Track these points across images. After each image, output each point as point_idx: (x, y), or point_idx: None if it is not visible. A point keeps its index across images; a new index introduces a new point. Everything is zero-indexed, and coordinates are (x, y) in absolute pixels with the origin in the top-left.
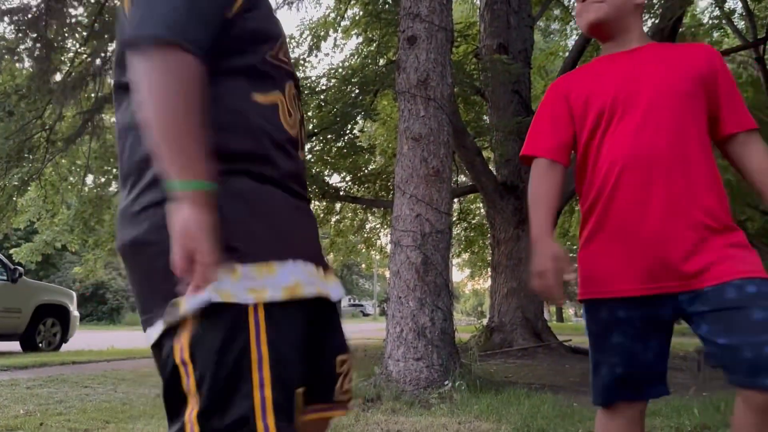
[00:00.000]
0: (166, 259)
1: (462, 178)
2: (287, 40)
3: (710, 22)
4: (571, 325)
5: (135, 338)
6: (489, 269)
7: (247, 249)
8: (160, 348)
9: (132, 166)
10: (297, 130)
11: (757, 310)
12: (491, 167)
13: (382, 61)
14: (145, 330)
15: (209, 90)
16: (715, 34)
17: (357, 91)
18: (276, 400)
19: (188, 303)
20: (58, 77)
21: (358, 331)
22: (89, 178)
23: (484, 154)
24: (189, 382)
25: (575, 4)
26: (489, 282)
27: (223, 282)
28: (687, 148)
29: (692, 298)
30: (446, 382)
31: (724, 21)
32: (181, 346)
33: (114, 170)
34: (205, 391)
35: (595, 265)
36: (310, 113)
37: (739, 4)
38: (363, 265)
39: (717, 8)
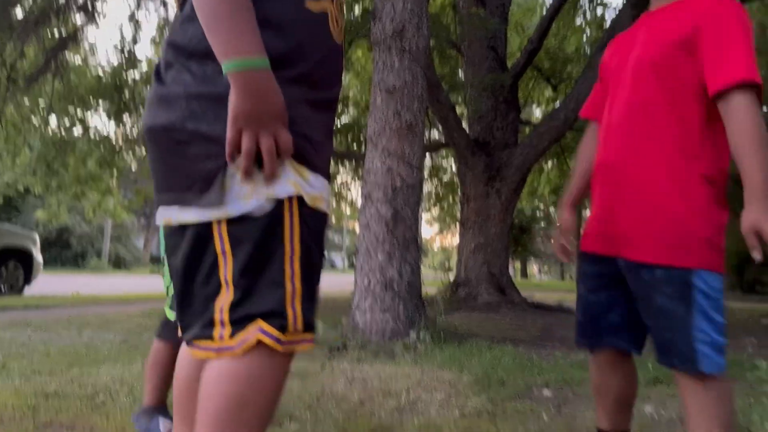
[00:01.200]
0: (205, 145)
1: (435, 134)
2: None
3: None
4: (534, 281)
5: (100, 284)
6: (458, 225)
7: (302, 147)
8: (184, 230)
9: (170, 50)
10: (341, 36)
11: (659, 296)
12: (464, 123)
13: (357, 10)
14: (162, 205)
15: None
16: None
17: None
18: (304, 293)
19: (233, 207)
20: (19, 13)
21: (326, 283)
22: (53, 120)
23: (458, 110)
24: (226, 272)
25: None
26: (457, 238)
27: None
28: (649, 121)
29: (625, 267)
30: (411, 334)
31: None
32: (221, 236)
33: (79, 112)
34: (241, 281)
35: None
36: None
37: None
38: (333, 219)
39: None
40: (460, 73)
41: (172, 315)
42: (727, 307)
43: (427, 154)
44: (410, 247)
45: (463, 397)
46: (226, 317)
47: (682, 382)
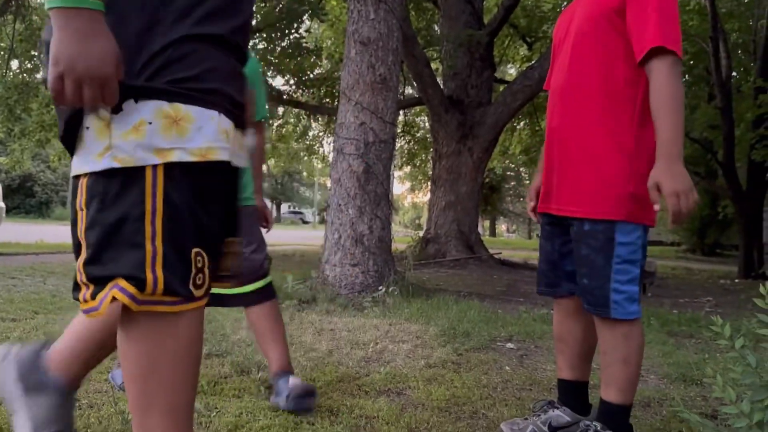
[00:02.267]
0: None
1: (408, 91)
2: None
3: None
4: (502, 239)
5: (65, 233)
6: (429, 183)
7: (168, 85)
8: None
9: None
10: None
11: (584, 247)
12: (438, 80)
13: None
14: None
15: None
16: None
17: None
18: (167, 255)
19: (87, 164)
20: None
21: (297, 237)
22: (14, 63)
23: (433, 66)
24: (82, 228)
25: None
26: (428, 196)
27: (125, 143)
28: (582, 87)
29: (561, 220)
30: (380, 288)
31: None
32: (81, 191)
33: (41, 54)
34: (93, 240)
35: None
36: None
37: None
38: (304, 173)
39: None
40: (437, 28)
41: None
42: (688, 268)
43: (401, 110)
44: (381, 202)
45: (429, 348)
46: (83, 277)
47: (597, 324)
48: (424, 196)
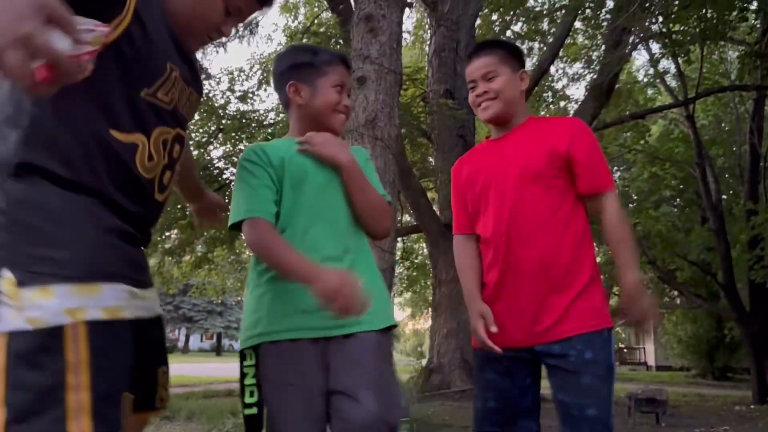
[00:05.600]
0: None
1: (406, 218)
2: (237, 73)
3: (645, 80)
4: None
5: None
6: (430, 309)
7: (71, 268)
8: None
9: None
10: (156, 174)
11: (586, 375)
12: (435, 208)
13: None
14: None
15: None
16: (650, 92)
17: None
18: (95, 405)
19: (5, 322)
20: None
21: None
22: None
23: (429, 195)
24: (1, 391)
25: (470, 94)
26: (429, 322)
27: (36, 305)
28: (534, 221)
29: (544, 351)
30: None
31: (657, 80)
32: (4, 359)
33: None
34: (15, 398)
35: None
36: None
37: (672, 65)
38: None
39: (651, 67)
40: (431, 160)
41: None
42: (701, 394)
43: (399, 237)
44: None
45: None
46: None
47: None
48: (425, 323)
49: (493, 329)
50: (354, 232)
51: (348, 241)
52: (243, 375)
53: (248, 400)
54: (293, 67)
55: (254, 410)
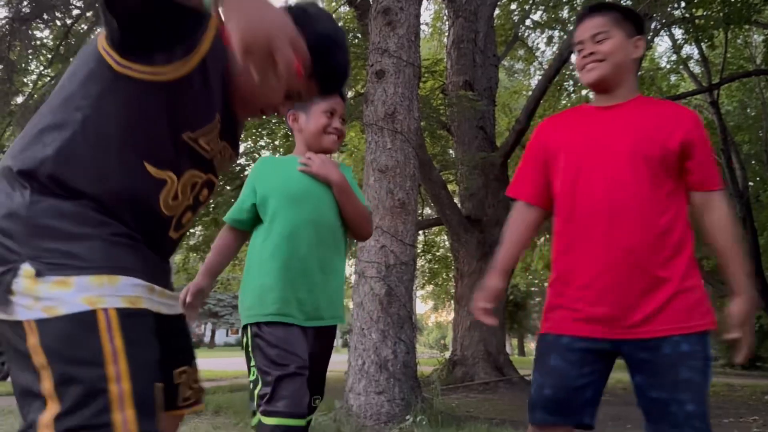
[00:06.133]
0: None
1: (427, 211)
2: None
3: (668, 66)
4: (532, 358)
5: None
6: (452, 302)
7: (89, 261)
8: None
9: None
10: (176, 213)
11: (684, 369)
12: (456, 201)
13: (350, 94)
14: None
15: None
16: (673, 78)
17: None
18: (135, 393)
19: (28, 313)
20: (19, 99)
21: None
22: None
23: (450, 187)
24: (45, 384)
25: (575, 57)
26: (452, 315)
27: (54, 296)
28: (636, 207)
29: (634, 346)
30: (407, 417)
31: (681, 66)
32: (34, 349)
33: None
34: (60, 392)
35: (555, 303)
36: (277, 142)
37: (696, 51)
38: None
39: (674, 53)
40: (451, 152)
41: (273, 420)
42: (729, 384)
43: (421, 230)
44: (405, 325)
45: None
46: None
47: None
48: (447, 315)
49: (487, 306)
50: (339, 238)
51: (334, 245)
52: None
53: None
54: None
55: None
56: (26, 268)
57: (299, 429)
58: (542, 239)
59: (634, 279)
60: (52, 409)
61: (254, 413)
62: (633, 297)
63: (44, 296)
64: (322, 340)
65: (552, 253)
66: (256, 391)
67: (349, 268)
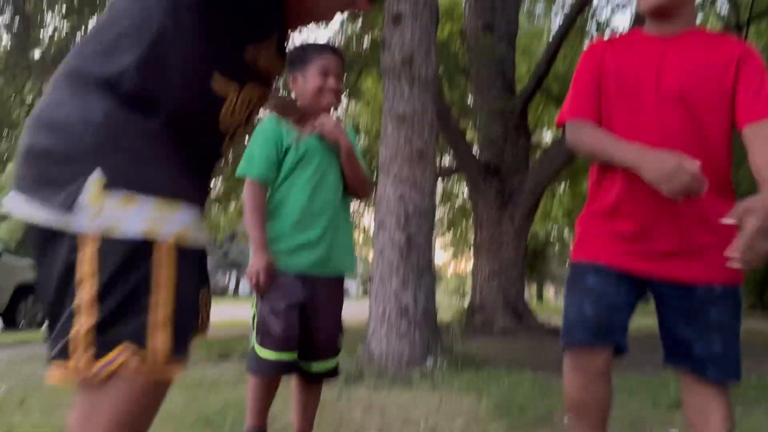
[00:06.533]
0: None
1: (446, 160)
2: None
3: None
4: (551, 306)
5: None
6: (471, 250)
7: (157, 182)
8: (43, 235)
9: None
10: (230, 130)
11: (715, 310)
12: (474, 149)
13: (366, 41)
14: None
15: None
16: (700, 16)
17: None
18: (174, 322)
19: (88, 224)
20: (37, 53)
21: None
22: None
23: (468, 135)
24: (86, 296)
25: None
26: (471, 263)
27: (119, 213)
28: (698, 142)
29: (666, 282)
30: (428, 361)
31: (707, 5)
32: (83, 260)
33: None
34: (102, 307)
35: (592, 232)
36: None
37: None
38: None
39: None
40: (470, 99)
41: (265, 353)
42: (748, 329)
43: (439, 179)
44: (424, 273)
45: (482, 424)
46: (86, 341)
47: (711, 393)
48: (467, 264)
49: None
50: (342, 194)
51: (342, 201)
52: None
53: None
54: (291, 62)
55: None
56: (95, 179)
57: (290, 363)
58: (562, 186)
59: (675, 217)
60: (89, 321)
61: (252, 347)
62: (674, 234)
63: (108, 211)
64: (333, 287)
65: (590, 184)
66: (254, 324)
67: (368, 218)
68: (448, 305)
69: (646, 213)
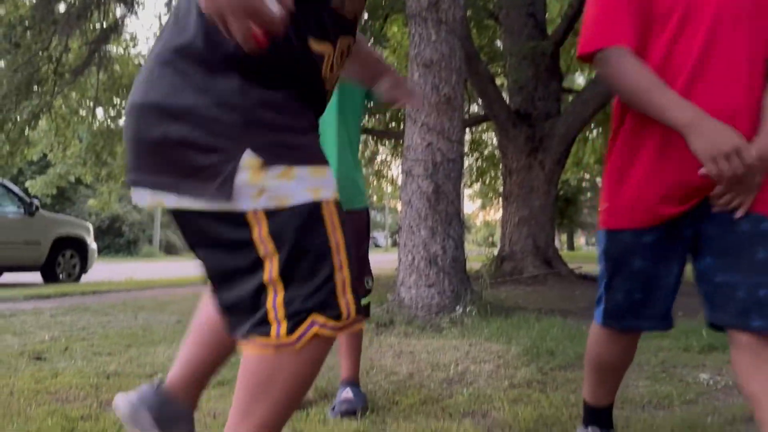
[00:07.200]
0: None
1: (474, 108)
2: None
3: None
4: (582, 253)
5: (153, 269)
6: (500, 200)
7: (305, 152)
8: (195, 219)
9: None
10: (332, 84)
11: (762, 250)
12: (504, 95)
13: None
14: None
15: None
16: None
17: (366, 16)
18: (351, 281)
19: (253, 203)
20: (62, 7)
21: (370, 261)
22: (99, 111)
23: (497, 80)
24: (272, 271)
25: None
26: (500, 213)
27: (281, 185)
28: (751, 71)
29: (708, 220)
30: (457, 308)
31: None
32: (261, 238)
33: (123, 102)
34: (290, 278)
35: (626, 191)
36: None
37: None
38: (374, 197)
39: None
40: (499, 43)
41: None
42: None
43: (467, 128)
44: (453, 221)
45: (512, 368)
46: (281, 313)
47: (758, 342)
48: (495, 214)
49: None
50: (348, 126)
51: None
52: None
53: None
54: None
55: None
56: (249, 158)
57: None
58: (594, 133)
59: None
60: (280, 294)
61: None
62: None
63: (270, 186)
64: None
65: (622, 131)
66: None
67: (396, 168)
68: (477, 254)
69: (688, 155)
